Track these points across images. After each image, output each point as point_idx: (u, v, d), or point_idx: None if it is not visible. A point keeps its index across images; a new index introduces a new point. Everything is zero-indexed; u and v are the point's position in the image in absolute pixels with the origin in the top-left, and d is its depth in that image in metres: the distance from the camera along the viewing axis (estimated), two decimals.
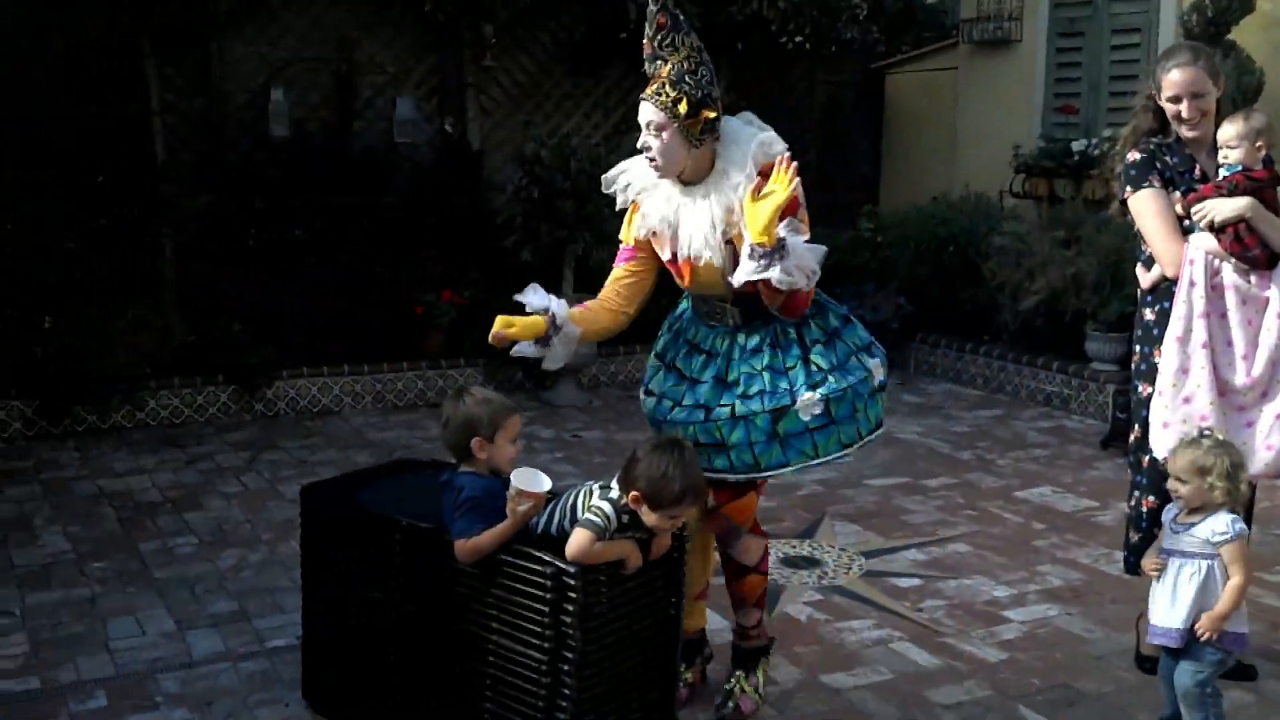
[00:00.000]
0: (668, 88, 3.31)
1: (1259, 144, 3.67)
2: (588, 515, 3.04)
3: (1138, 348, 4.00)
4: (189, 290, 7.48)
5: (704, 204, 3.39)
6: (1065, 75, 8.48)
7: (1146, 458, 3.89)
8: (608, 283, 3.64)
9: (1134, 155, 3.90)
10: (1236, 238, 3.62)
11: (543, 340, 3.43)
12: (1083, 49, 8.33)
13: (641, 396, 3.75)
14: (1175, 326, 3.73)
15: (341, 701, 3.56)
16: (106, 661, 3.98)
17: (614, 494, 3.09)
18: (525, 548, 3.05)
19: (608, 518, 3.04)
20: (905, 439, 6.89)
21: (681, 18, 3.38)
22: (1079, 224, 7.51)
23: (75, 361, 6.54)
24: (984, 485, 6.05)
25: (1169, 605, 3.33)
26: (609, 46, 8.30)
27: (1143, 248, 3.95)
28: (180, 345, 7.08)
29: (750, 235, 3.22)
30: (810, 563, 4.94)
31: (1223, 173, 3.71)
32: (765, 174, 3.32)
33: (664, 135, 3.32)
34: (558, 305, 3.45)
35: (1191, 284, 3.70)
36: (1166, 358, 3.74)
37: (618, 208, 3.66)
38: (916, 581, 4.77)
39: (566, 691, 2.99)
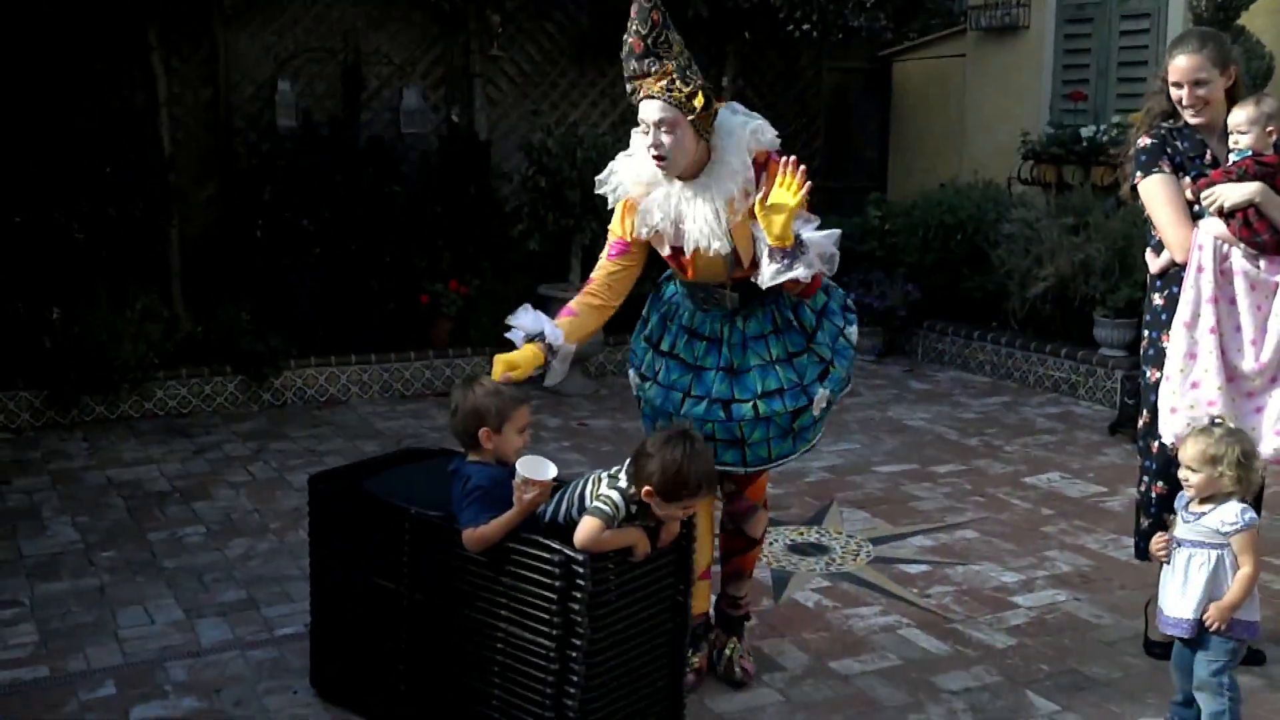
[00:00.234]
0: (679, 83, 3.28)
1: (1270, 129, 3.66)
2: (596, 503, 3.05)
3: (1146, 333, 3.99)
4: (196, 281, 7.51)
5: (705, 196, 3.39)
6: (1074, 62, 8.44)
7: (1155, 443, 3.89)
8: (598, 275, 3.61)
9: (1144, 141, 3.90)
10: (1245, 223, 3.61)
11: (541, 365, 3.43)
12: (1091, 35, 8.30)
13: (635, 380, 3.76)
14: (1183, 312, 3.72)
15: (350, 689, 3.56)
16: (115, 650, 3.99)
17: (622, 483, 3.09)
18: (533, 536, 3.05)
19: (616, 506, 3.04)
20: (913, 426, 6.88)
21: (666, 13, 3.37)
22: (1087, 210, 7.48)
23: (83, 352, 6.56)
24: (992, 471, 6.04)
25: (1180, 595, 3.30)
26: (615, 36, 8.26)
27: (1152, 233, 3.94)
28: (188, 335, 7.09)
29: (768, 240, 3.28)
30: (818, 549, 4.94)
31: (1233, 158, 3.70)
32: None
33: (676, 132, 3.30)
34: (551, 331, 3.42)
35: (1200, 269, 3.69)
36: (1174, 343, 3.73)
37: (609, 206, 3.64)
38: (924, 567, 4.77)
39: (574, 679, 3.00)
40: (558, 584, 2.96)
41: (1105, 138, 7.76)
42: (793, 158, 3.29)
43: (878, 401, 7.45)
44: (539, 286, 7.58)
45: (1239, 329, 3.68)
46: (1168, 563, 3.37)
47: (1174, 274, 3.83)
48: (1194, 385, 3.70)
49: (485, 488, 3.12)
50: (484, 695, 3.17)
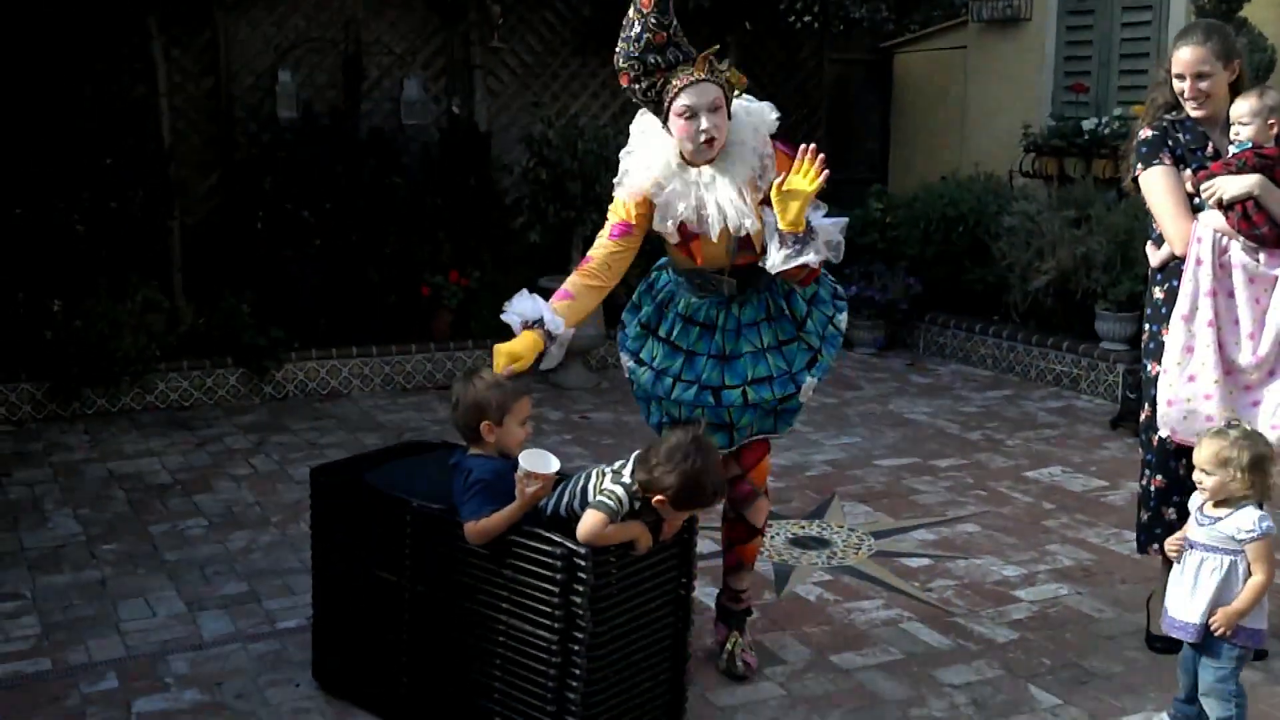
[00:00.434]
0: (718, 64, 3.33)
1: (1271, 121, 3.65)
2: (601, 498, 3.05)
3: (1147, 326, 3.99)
4: (197, 272, 7.49)
5: (727, 178, 3.40)
6: (1075, 54, 8.42)
7: (1155, 436, 3.88)
8: (597, 255, 3.55)
9: (1146, 133, 3.89)
10: (1244, 215, 3.60)
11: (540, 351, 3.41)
12: (1093, 27, 8.27)
13: (629, 363, 3.77)
14: (1181, 304, 3.72)
15: (352, 682, 3.56)
16: (117, 643, 3.99)
17: (626, 478, 3.09)
18: (535, 529, 3.05)
19: (620, 501, 3.04)
20: (914, 419, 6.88)
21: None
22: (1089, 203, 7.47)
23: (84, 344, 6.55)
24: (993, 465, 6.04)
25: (1187, 598, 3.26)
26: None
27: (1153, 226, 3.94)
28: (189, 328, 7.08)
29: (781, 225, 3.32)
30: (820, 543, 4.94)
31: (1232, 150, 3.69)
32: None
33: (720, 112, 3.34)
34: (550, 319, 3.40)
35: (1199, 262, 3.68)
36: (1172, 336, 3.73)
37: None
38: (926, 561, 4.77)
39: (576, 672, 3.00)
40: (560, 577, 2.97)
41: (1107, 130, 7.75)
42: (812, 145, 3.34)
43: (879, 395, 7.45)
44: (540, 278, 7.56)
45: (1237, 322, 3.68)
46: (1178, 563, 3.33)
47: (1174, 267, 3.83)
48: (1190, 379, 3.69)
49: (487, 480, 3.12)
50: (486, 688, 3.17)
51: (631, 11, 3.37)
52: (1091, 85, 8.25)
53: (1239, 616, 3.19)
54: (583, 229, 7.48)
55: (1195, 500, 3.34)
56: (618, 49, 3.43)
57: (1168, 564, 3.89)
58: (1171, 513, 3.89)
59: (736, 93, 3.40)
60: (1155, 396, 3.83)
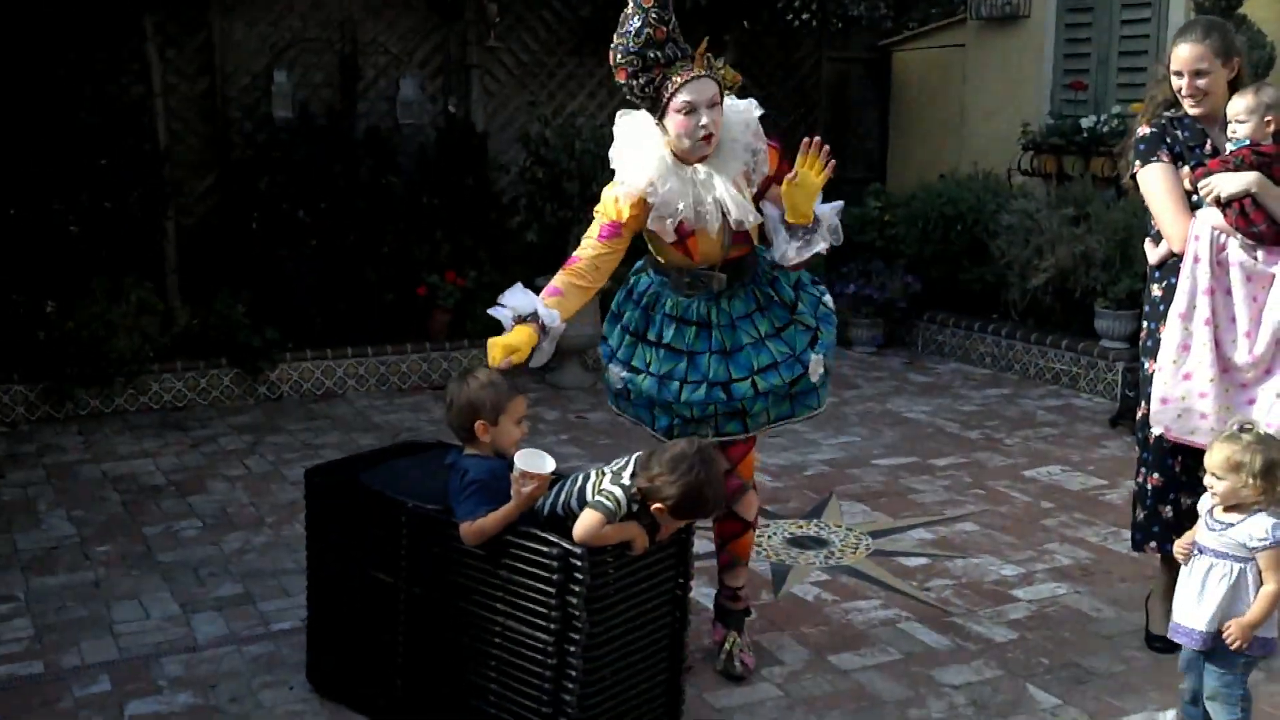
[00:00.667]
0: (714, 60, 3.36)
1: (1268, 119, 3.63)
2: (599, 498, 3.03)
3: (1145, 324, 3.97)
4: (192, 273, 7.46)
5: (722, 173, 3.41)
6: (1074, 51, 8.40)
7: (1152, 434, 3.86)
8: (585, 256, 3.52)
9: (1144, 130, 3.88)
10: (1242, 213, 3.58)
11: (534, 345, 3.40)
12: (1092, 24, 8.25)
13: (622, 373, 3.70)
14: (1178, 302, 3.70)
15: (346, 684, 3.54)
16: (110, 645, 3.96)
17: (626, 480, 3.06)
18: (531, 529, 3.03)
19: (618, 502, 3.02)
20: (913, 418, 6.86)
21: None
22: (1088, 201, 7.46)
23: (78, 345, 6.53)
24: (992, 464, 6.02)
25: (1194, 604, 3.17)
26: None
27: (1152, 223, 3.92)
28: (184, 328, 7.06)
29: (792, 218, 3.42)
30: (817, 543, 4.92)
31: (1230, 147, 3.67)
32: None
33: (718, 108, 3.37)
34: (545, 312, 3.39)
35: (1196, 260, 3.67)
36: (1169, 333, 3.72)
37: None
38: (924, 561, 4.74)
39: (573, 673, 2.98)
40: (556, 578, 2.94)
41: (1106, 128, 7.73)
42: (816, 138, 3.40)
43: (877, 394, 7.43)
44: (536, 278, 7.52)
45: (1234, 320, 3.66)
46: (1186, 566, 3.25)
47: (1173, 265, 3.81)
48: (1186, 377, 3.67)
49: (483, 480, 3.10)
50: (482, 690, 3.15)
51: (631, 6, 3.36)
52: (1090, 83, 8.23)
53: (1253, 628, 3.09)
54: (580, 228, 7.42)
55: (1205, 504, 3.24)
56: (615, 44, 3.41)
57: (1166, 562, 3.88)
58: (1169, 510, 3.87)
59: (727, 90, 3.42)
60: (1151, 394, 3.81)
